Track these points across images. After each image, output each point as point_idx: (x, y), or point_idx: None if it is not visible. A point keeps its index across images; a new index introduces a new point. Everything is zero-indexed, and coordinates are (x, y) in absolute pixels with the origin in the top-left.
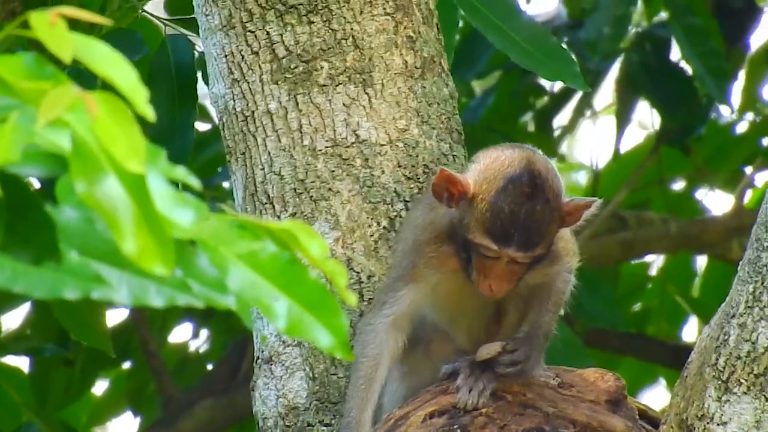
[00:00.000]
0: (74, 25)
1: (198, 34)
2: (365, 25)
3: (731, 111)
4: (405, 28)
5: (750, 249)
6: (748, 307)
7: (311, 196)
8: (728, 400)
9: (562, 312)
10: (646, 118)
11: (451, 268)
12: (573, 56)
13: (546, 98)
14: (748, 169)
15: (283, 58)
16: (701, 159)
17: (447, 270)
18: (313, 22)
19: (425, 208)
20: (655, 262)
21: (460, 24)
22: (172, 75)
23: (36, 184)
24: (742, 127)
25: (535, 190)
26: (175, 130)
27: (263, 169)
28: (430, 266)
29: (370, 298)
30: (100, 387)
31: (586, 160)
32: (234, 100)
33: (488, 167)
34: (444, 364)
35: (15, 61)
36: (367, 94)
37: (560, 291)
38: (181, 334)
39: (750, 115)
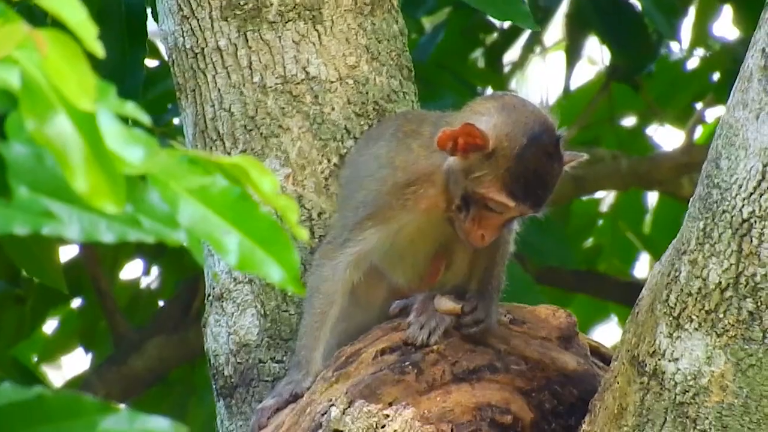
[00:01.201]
0: None
1: None
2: None
3: (681, 47)
4: None
5: (700, 185)
6: (699, 243)
7: (261, 133)
8: (679, 337)
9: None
10: (596, 55)
11: (423, 209)
12: None
13: (496, 35)
14: (699, 106)
15: None
16: (652, 96)
17: (417, 211)
18: None
19: (400, 147)
20: (606, 199)
21: None
22: (121, 12)
23: None
24: (692, 64)
25: (556, 149)
26: (125, 67)
27: (213, 106)
28: (404, 208)
29: (321, 235)
30: (50, 325)
31: (537, 97)
32: (184, 37)
33: (506, 122)
34: (381, 305)
35: None
36: (316, 30)
37: (507, 242)
38: (132, 271)
39: (700, 52)
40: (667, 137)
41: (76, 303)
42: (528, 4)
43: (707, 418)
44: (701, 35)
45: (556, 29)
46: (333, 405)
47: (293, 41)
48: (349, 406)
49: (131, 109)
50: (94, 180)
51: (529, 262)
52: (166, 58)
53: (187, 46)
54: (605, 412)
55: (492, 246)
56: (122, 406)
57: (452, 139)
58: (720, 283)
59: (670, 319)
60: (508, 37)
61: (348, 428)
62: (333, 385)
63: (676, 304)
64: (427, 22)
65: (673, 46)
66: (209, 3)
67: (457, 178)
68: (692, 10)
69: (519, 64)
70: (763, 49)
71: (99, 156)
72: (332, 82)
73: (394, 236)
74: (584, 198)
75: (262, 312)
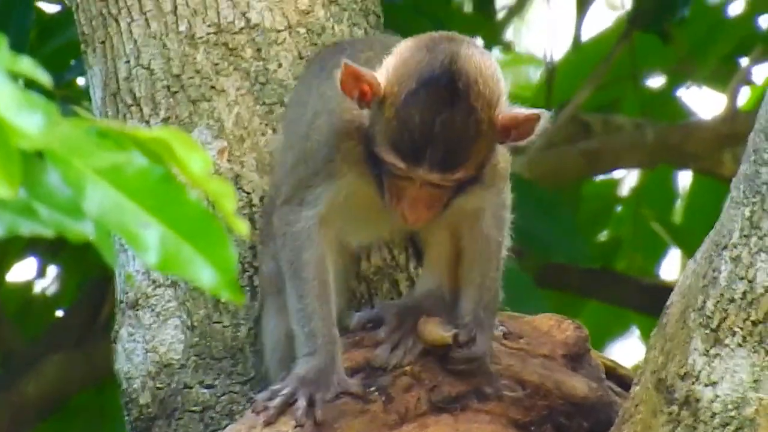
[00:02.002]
0: None
1: None
2: None
3: None
4: None
5: (746, 162)
6: (744, 236)
7: (189, 96)
8: (719, 354)
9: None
10: None
11: (361, 171)
12: None
13: None
14: (744, 61)
15: None
16: (684, 48)
17: (364, 174)
18: None
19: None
20: (627, 178)
21: None
22: None
23: None
24: (736, 8)
25: (457, 95)
26: (10, 9)
27: (128, 62)
28: (347, 165)
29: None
30: None
31: (539, 51)
32: None
33: (403, 63)
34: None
35: None
36: None
37: (498, 242)
38: (23, 271)
39: None
40: (703, 101)
41: None
42: None
43: None
44: None
45: None
46: None
47: None
48: None
49: (26, 64)
50: None
51: (530, 258)
52: (67, 2)
53: None
54: None
55: (482, 245)
56: None
57: (347, 85)
58: None
59: (707, 332)
60: None
61: None
62: (279, 417)
63: (714, 313)
64: None
65: None
66: None
67: (368, 134)
68: None
69: (517, 8)
70: None
71: None
72: (279, 31)
73: (347, 200)
74: (598, 178)
75: (189, 323)
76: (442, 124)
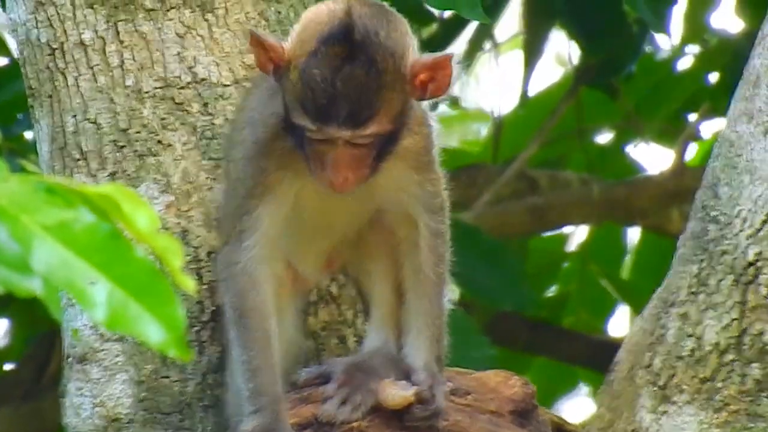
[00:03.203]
0: None
1: None
2: None
3: (670, 42)
4: None
5: (694, 219)
6: (692, 293)
7: (136, 151)
8: (666, 412)
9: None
10: (562, 51)
11: (299, 168)
12: None
13: (434, 25)
14: (692, 117)
15: None
16: (632, 103)
17: (300, 171)
18: None
19: (263, 96)
20: (574, 234)
21: None
22: None
23: None
24: (684, 63)
25: (354, 48)
26: None
27: (75, 116)
28: (282, 167)
29: (211, 280)
30: None
31: (486, 106)
32: (38, 29)
33: (306, 27)
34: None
35: None
36: (206, 20)
37: (437, 279)
38: None
39: (694, 48)
40: (651, 157)
41: None
42: None
43: None
44: (696, 27)
45: (511, 19)
46: None
47: (177, 34)
48: None
49: None
50: None
51: (477, 310)
52: (15, 55)
53: (43, 40)
54: None
55: (423, 286)
56: None
57: (260, 58)
58: (718, 343)
59: (655, 389)
60: (449, 29)
61: None
62: None
63: (662, 371)
64: None
65: (660, 40)
66: None
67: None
68: None
69: (464, 64)
70: None
71: None
72: (226, 85)
73: (289, 211)
74: (546, 233)
75: (137, 378)
76: (343, 79)
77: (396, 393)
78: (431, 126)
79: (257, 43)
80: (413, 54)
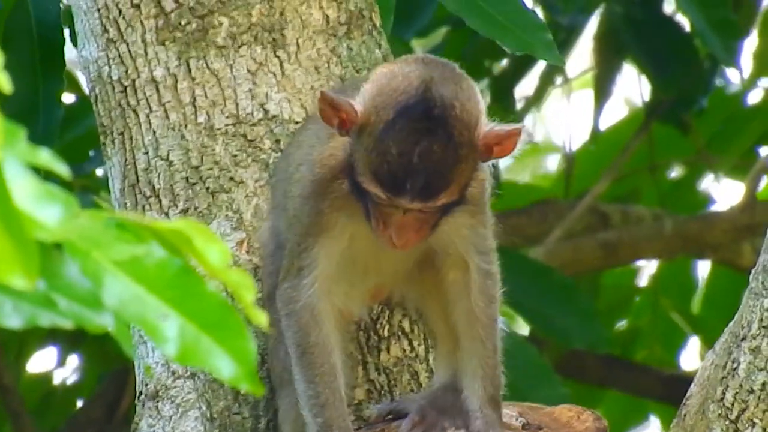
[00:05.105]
0: None
1: None
2: None
3: (741, 76)
4: None
5: (765, 253)
6: (764, 326)
7: (208, 188)
8: None
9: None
10: (633, 87)
11: (359, 212)
12: (541, 17)
13: (505, 61)
14: (763, 151)
15: (172, 12)
16: (703, 139)
17: (355, 214)
18: None
19: (321, 134)
20: (646, 269)
21: None
22: (32, 34)
23: None
24: (755, 97)
25: (434, 123)
26: (38, 103)
27: (147, 153)
28: (337, 209)
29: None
30: None
31: (557, 141)
32: (109, 66)
33: (381, 91)
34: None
35: None
36: (277, 57)
37: (487, 320)
38: (43, 361)
39: (765, 82)
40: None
41: None
42: (547, 24)
43: None
44: (766, 61)
45: (582, 55)
46: None
47: (248, 71)
48: None
49: (45, 156)
50: None
51: (549, 347)
52: (86, 92)
53: (114, 77)
54: None
55: (473, 327)
56: None
57: (326, 114)
58: None
59: (727, 423)
60: (520, 65)
61: None
62: None
63: (733, 404)
64: (419, 46)
65: (732, 74)
66: (141, 23)
67: (350, 162)
68: (755, 31)
69: (535, 99)
70: None
71: (5, 215)
72: (297, 122)
73: (345, 251)
74: (617, 268)
75: (208, 415)
76: (421, 153)
77: None
78: (485, 170)
79: (328, 103)
80: (484, 122)
